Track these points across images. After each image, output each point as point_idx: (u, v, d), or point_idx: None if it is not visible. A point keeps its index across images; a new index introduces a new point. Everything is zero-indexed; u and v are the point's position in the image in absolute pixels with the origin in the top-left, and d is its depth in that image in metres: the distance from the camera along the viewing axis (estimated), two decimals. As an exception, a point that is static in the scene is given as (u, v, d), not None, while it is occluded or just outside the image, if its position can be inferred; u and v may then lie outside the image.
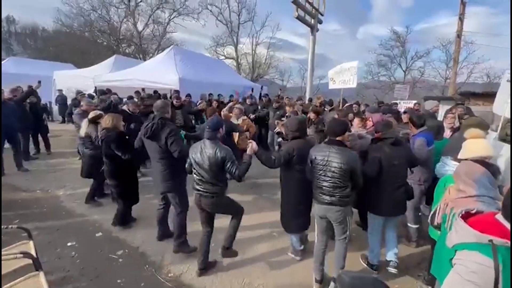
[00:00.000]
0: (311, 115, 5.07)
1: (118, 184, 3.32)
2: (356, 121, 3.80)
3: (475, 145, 2.01)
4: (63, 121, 11.39)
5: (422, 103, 7.49)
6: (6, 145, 5.25)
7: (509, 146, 2.95)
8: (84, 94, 7.55)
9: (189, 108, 6.47)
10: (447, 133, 3.62)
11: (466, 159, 1.94)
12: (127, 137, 3.43)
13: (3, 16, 26.69)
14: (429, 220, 1.94)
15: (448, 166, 2.33)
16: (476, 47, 19.49)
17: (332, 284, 2.28)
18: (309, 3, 9.81)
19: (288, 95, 13.26)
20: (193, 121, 6.41)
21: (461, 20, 12.84)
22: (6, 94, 5.36)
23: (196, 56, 12.31)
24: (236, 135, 4.78)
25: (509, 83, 3.34)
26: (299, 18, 9.40)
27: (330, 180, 2.24)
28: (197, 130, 5.02)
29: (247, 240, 3.21)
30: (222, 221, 2.76)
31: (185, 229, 2.91)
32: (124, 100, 6.82)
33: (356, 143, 2.90)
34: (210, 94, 8.25)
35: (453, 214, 1.58)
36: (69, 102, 10.37)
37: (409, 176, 2.90)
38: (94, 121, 3.80)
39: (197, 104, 6.93)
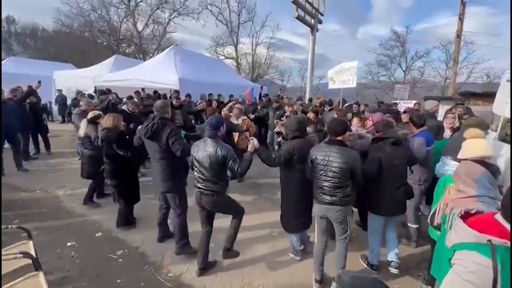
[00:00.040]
0: (310, 115, 5.09)
1: (118, 184, 3.32)
2: (355, 120, 3.81)
3: (475, 145, 2.00)
4: (63, 121, 11.42)
5: (422, 103, 7.50)
6: (6, 145, 5.25)
7: (509, 146, 2.94)
8: (84, 94, 7.57)
9: (188, 108, 6.48)
10: (447, 133, 3.63)
11: (466, 159, 1.94)
12: (127, 137, 3.43)
13: (3, 16, 26.72)
14: (428, 221, 1.94)
15: (448, 166, 2.32)
16: (476, 47, 19.52)
17: (333, 284, 2.29)
18: (309, 3, 9.81)
19: (288, 95, 13.28)
20: (192, 121, 6.42)
21: (461, 20, 12.83)
22: (6, 94, 5.36)
23: (196, 56, 12.31)
24: (236, 135, 4.78)
25: (509, 83, 3.33)
26: (299, 18, 9.40)
27: (331, 180, 2.24)
28: (197, 130, 5.04)
29: (247, 240, 3.21)
30: (222, 221, 2.76)
31: (187, 231, 2.91)
32: (124, 100, 6.82)
33: (356, 142, 2.90)
34: (210, 94, 8.26)
35: (452, 214, 1.57)
36: (69, 102, 10.42)
37: (409, 176, 2.91)
38: (93, 121, 3.78)
39: (197, 104, 6.94)
